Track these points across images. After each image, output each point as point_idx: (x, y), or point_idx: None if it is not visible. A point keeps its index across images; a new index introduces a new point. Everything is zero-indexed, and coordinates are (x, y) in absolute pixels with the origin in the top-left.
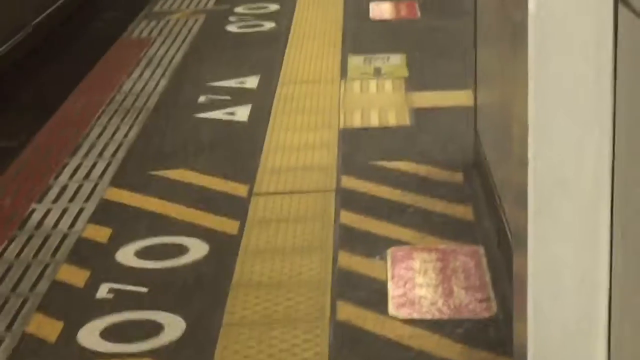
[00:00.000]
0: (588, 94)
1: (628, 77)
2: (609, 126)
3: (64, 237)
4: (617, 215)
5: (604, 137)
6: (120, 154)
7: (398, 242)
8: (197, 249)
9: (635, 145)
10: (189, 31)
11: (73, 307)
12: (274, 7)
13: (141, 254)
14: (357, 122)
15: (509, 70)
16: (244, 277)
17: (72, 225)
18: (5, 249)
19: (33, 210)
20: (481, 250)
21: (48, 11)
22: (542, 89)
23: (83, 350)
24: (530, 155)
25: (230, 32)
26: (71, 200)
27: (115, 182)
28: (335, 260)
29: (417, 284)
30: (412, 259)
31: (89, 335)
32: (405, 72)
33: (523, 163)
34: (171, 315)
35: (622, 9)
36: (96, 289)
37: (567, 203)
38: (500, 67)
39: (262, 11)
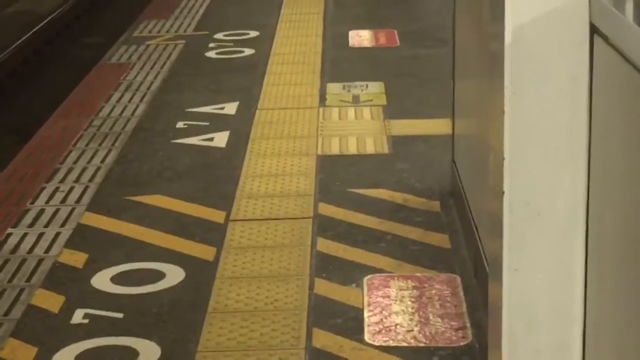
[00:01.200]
0: (563, 127)
1: (603, 111)
2: (584, 159)
3: (40, 261)
4: (591, 247)
5: (578, 170)
6: (98, 179)
7: (374, 270)
8: (173, 274)
9: (610, 180)
10: (168, 57)
11: (48, 332)
12: (253, 33)
13: (117, 279)
14: (335, 149)
15: (486, 101)
16: (220, 303)
17: (48, 249)
18: None
19: (9, 235)
20: (458, 278)
21: (27, 35)
22: (517, 121)
23: None
24: (505, 186)
25: (209, 58)
26: (47, 224)
27: (92, 207)
28: (311, 287)
29: (393, 312)
30: (388, 287)
31: None
32: (383, 100)
33: (498, 194)
34: (146, 341)
35: (597, 41)
36: (71, 314)
37: (541, 234)
38: (477, 97)
39: (241, 37)
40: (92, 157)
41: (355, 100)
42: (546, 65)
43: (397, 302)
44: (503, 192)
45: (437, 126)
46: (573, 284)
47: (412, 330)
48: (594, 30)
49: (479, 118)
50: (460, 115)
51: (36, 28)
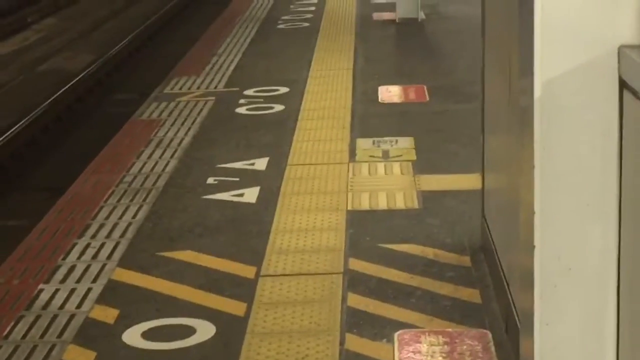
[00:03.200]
0: (594, 181)
1: (634, 166)
2: (614, 213)
3: (71, 317)
4: (623, 301)
5: (609, 224)
6: (129, 235)
7: (405, 325)
8: (204, 330)
9: None
10: (199, 113)
11: None
12: (283, 89)
13: (148, 335)
14: (365, 204)
15: (515, 156)
16: (250, 359)
17: (79, 305)
18: (12, 329)
19: (41, 290)
20: (489, 334)
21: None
22: (547, 176)
23: None
24: (535, 240)
25: (239, 114)
26: (79, 280)
27: (123, 263)
28: (342, 342)
29: None
30: (419, 342)
31: None
32: (413, 156)
33: (529, 248)
34: None
35: (627, 96)
36: None
37: (572, 289)
38: (507, 152)
39: (271, 94)
40: (123, 213)
41: (385, 155)
42: (576, 120)
43: (429, 358)
44: (534, 247)
45: (467, 181)
46: (605, 338)
47: None
48: (623, 84)
49: (508, 173)
50: (490, 170)
51: (68, 85)
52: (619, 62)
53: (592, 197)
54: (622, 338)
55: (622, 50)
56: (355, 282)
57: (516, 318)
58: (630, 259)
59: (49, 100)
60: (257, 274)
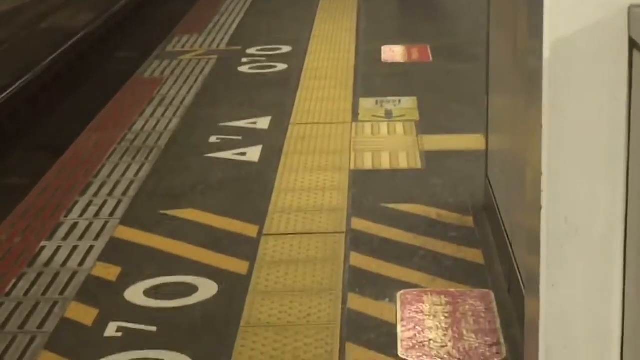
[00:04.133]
0: (602, 142)
1: None
2: (622, 174)
3: (73, 274)
4: (629, 262)
5: (617, 185)
6: (131, 193)
7: (408, 285)
8: (206, 288)
9: None
10: (201, 71)
11: (81, 345)
12: (286, 48)
13: (150, 292)
14: (368, 164)
15: (522, 117)
16: (252, 317)
17: (81, 263)
18: (14, 287)
19: (43, 248)
20: (491, 294)
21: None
22: (555, 137)
23: None
24: (542, 202)
25: (242, 73)
26: (81, 238)
27: (126, 221)
28: (344, 302)
29: (426, 327)
30: (421, 302)
31: None
32: (416, 115)
33: (535, 209)
34: (179, 354)
35: (637, 56)
36: (105, 328)
37: (579, 250)
38: (512, 113)
39: (274, 53)
40: (125, 171)
41: (388, 115)
42: (585, 81)
43: (431, 318)
44: (540, 208)
45: (470, 141)
46: (611, 299)
47: (446, 346)
48: (633, 45)
49: (514, 133)
50: (494, 130)
51: (69, 43)
52: (629, 22)
53: (600, 158)
54: (627, 298)
55: (632, 10)
56: (357, 241)
57: (519, 278)
58: (637, 220)
59: (50, 58)
60: (260, 233)
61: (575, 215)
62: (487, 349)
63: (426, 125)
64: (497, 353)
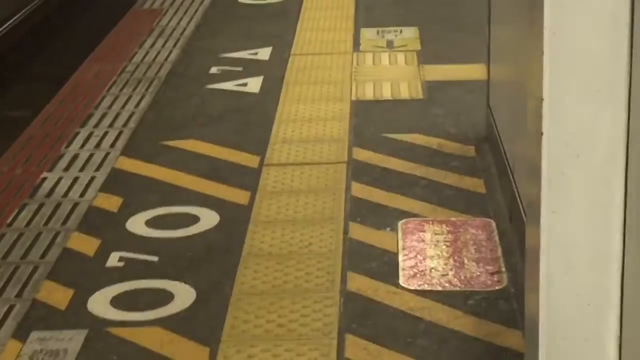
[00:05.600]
0: (603, 68)
1: None
2: (624, 100)
3: (75, 205)
4: (630, 187)
5: (618, 112)
6: (132, 124)
7: (409, 214)
8: (208, 218)
9: None
10: (201, 2)
11: (83, 275)
12: None
13: (152, 223)
14: (369, 94)
15: (523, 44)
16: (254, 247)
17: (82, 194)
18: (15, 217)
19: (44, 179)
20: (493, 223)
21: None
22: (556, 62)
23: (93, 317)
24: (544, 128)
25: (242, 4)
26: (82, 169)
27: (127, 152)
28: (346, 231)
29: (427, 256)
30: (423, 231)
31: (99, 303)
32: (418, 45)
33: (537, 137)
34: (181, 284)
35: None
36: (106, 258)
37: (580, 176)
38: (514, 40)
39: None
40: (125, 103)
41: (390, 45)
42: (586, 5)
43: (432, 247)
44: (542, 134)
45: (472, 71)
46: (612, 225)
47: (447, 275)
48: None
49: (516, 61)
50: (496, 59)
51: None
52: None
53: (601, 83)
54: (628, 223)
55: None
56: (359, 171)
57: (521, 207)
58: (638, 145)
59: None
60: (261, 163)
61: (577, 141)
62: (489, 277)
63: (428, 55)
64: (498, 281)
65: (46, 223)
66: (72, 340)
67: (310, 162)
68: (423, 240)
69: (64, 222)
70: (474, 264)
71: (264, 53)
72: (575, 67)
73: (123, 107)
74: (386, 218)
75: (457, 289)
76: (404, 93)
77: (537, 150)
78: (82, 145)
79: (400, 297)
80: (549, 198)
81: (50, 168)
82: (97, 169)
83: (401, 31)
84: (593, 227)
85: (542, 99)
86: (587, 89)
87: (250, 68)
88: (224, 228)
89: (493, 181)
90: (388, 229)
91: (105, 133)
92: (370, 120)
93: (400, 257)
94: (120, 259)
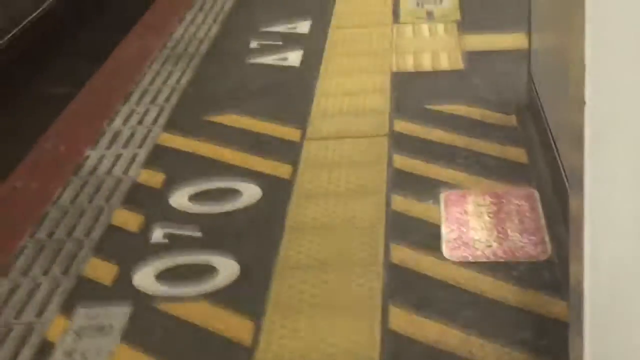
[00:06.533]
0: None
1: None
2: None
3: (118, 182)
4: None
5: None
6: (173, 100)
7: (452, 186)
8: (250, 193)
9: None
10: None
11: (128, 251)
12: None
13: (195, 198)
14: (409, 65)
15: (566, 11)
16: (297, 220)
17: (126, 170)
18: (60, 195)
19: (87, 156)
20: (536, 193)
21: None
22: (600, 28)
23: (138, 293)
24: (586, 96)
25: None
26: (125, 145)
27: (169, 128)
28: (388, 203)
29: (471, 227)
30: (465, 202)
31: (145, 278)
32: (457, 15)
33: (579, 104)
34: (225, 258)
35: None
36: (150, 233)
37: (623, 144)
38: (556, 8)
39: None
40: (167, 79)
41: (429, 16)
42: None
43: (475, 218)
44: (584, 102)
45: (512, 40)
46: None
47: (491, 246)
48: None
49: (558, 29)
50: (538, 28)
51: None
52: None
53: None
54: None
55: None
56: (400, 143)
57: (564, 177)
58: None
59: None
60: (303, 137)
61: (620, 109)
62: (533, 248)
63: (468, 25)
64: (543, 252)
65: (90, 200)
66: (118, 315)
67: (351, 135)
68: (466, 212)
69: (108, 199)
70: (518, 234)
71: (304, 27)
72: (619, 33)
73: (164, 83)
74: (428, 190)
75: (501, 259)
76: (444, 64)
77: (580, 118)
78: (124, 122)
79: (444, 268)
80: (592, 166)
81: (93, 145)
82: (140, 146)
83: (441, 1)
84: (637, 194)
85: (585, 66)
86: (630, 55)
87: (290, 42)
88: (266, 202)
89: (535, 151)
90: (430, 200)
91: (147, 109)
92: (410, 91)
93: (443, 229)
94: (165, 235)
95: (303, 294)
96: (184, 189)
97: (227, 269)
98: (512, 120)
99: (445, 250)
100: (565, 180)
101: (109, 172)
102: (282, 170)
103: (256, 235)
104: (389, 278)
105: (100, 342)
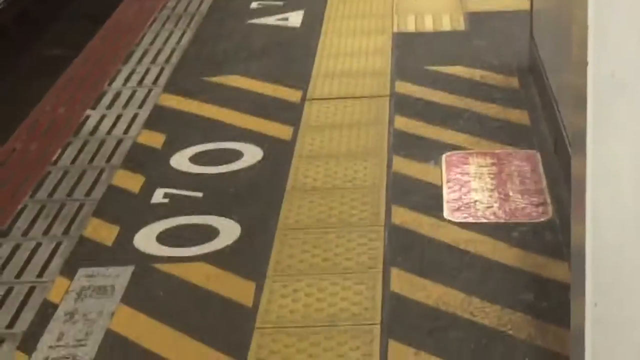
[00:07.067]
0: None
1: None
2: None
3: (119, 142)
4: None
5: None
6: (174, 60)
7: (453, 147)
8: (251, 154)
9: None
10: None
11: (129, 211)
12: None
13: (195, 159)
14: (411, 26)
15: None
16: (298, 182)
17: (126, 131)
18: (60, 156)
19: (87, 117)
20: (537, 154)
21: None
22: None
23: (139, 253)
24: (589, 57)
25: None
26: (125, 106)
27: (169, 88)
28: (389, 165)
29: (472, 189)
30: (467, 164)
31: (145, 239)
32: None
33: (582, 66)
34: (226, 220)
35: None
36: (151, 194)
37: (627, 105)
38: None
39: None
40: (167, 39)
41: None
42: None
43: (476, 179)
44: (587, 63)
45: (514, 2)
46: None
47: (492, 207)
48: None
49: None
50: None
51: None
52: None
53: None
54: None
55: None
56: (402, 104)
57: (565, 138)
58: None
59: None
60: (303, 98)
61: (623, 70)
62: (534, 209)
63: None
64: (544, 213)
65: (91, 161)
66: (119, 276)
67: (352, 95)
68: (467, 173)
69: (109, 160)
70: (519, 195)
71: None
72: None
73: (165, 43)
74: (430, 151)
75: (502, 221)
76: (446, 25)
77: (583, 80)
78: (125, 83)
79: (445, 229)
80: (594, 128)
81: (94, 106)
82: (140, 106)
83: None
84: (639, 156)
85: (588, 27)
86: (634, 17)
87: (291, 2)
88: (267, 163)
89: (537, 112)
90: (432, 161)
91: (148, 70)
92: (412, 52)
93: (445, 190)
94: (165, 195)
95: (304, 254)
96: (184, 150)
97: (228, 230)
98: (514, 81)
99: (446, 211)
100: (567, 141)
101: (110, 132)
102: (282, 131)
103: (257, 196)
104: (390, 239)
105: (101, 302)
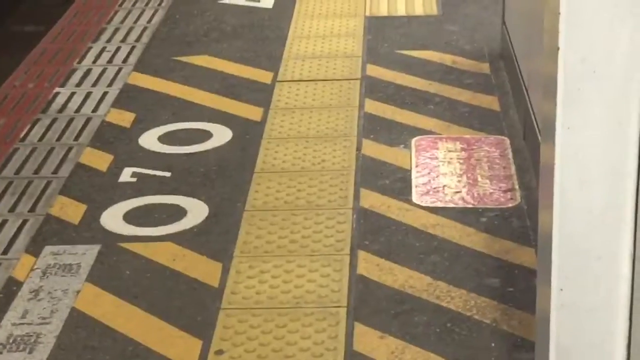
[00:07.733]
0: None
1: None
2: None
3: (88, 120)
4: None
5: (637, 26)
6: (145, 39)
7: (423, 131)
8: (221, 134)
9: None
10: None
11: (96, 190)
12: None
13: (164, 139)
14: (383, 10)
15: None
16: (267, 163)
17: (95, 109)
18: (28, 132)
19: (56, 94)
20: (507, 140)
21: None
22: None
23: (106, 232)
24: (560, 42)
25: None
26: (95, 84)
27: (139, 67)
28: (359, 148)
29: (441, 173)
30: (436, 148)
31: (112, 218)
32: None
33: (552, 52)
34: (194, 199)
35: None
36: (119, 173)
37: (596, 92)
38: None
39: None
40: (138, 17)
41: None
42: None
43: (445, 164)
44: (558, 49)
45: None
46: (627, 141)
47: (460, 192)
48: None
49: None
50: None
51: None
52: None
53: None
54: None
55: None
56: (372, 88)
57: (535, 124)
58: None
59: None
60: (274, 79)
61: (593, 56)
62: (502, 194)
63: None
64: (512, 199)
65: (59, 138)
66: (85, 255)
67: (323, 78)
68: (436, 158)
69: (77, 138)
70: (487, 181)
71: None
72: None
73: (135, 22)
74: (399, 135)
75: (470, 206)
76: (419, 9)
77: (553, 66)
78: (95, 61)
79: (413, 213)
80: (564, 114)
81: (63, 83)
82: (110, 84)
83: None
84: (608, 143)
85: (559, 13)
86: (605, 3)
87: None
88: (236, 144)
89: (507, 98)
90: (401, 145)
91: (118, 48)
92: (384, 36)
93: (414, 174)
94: (133, 175)
95: (272, 235)
96: (153, 129)
97: (195, 210)
98: (485, 67)
99: (415, 195)
100: (536, 127)
101: (78, 110)
102: (253, 112)
103: (226, 177)
104: (358, 222)
105: (67, 280)
